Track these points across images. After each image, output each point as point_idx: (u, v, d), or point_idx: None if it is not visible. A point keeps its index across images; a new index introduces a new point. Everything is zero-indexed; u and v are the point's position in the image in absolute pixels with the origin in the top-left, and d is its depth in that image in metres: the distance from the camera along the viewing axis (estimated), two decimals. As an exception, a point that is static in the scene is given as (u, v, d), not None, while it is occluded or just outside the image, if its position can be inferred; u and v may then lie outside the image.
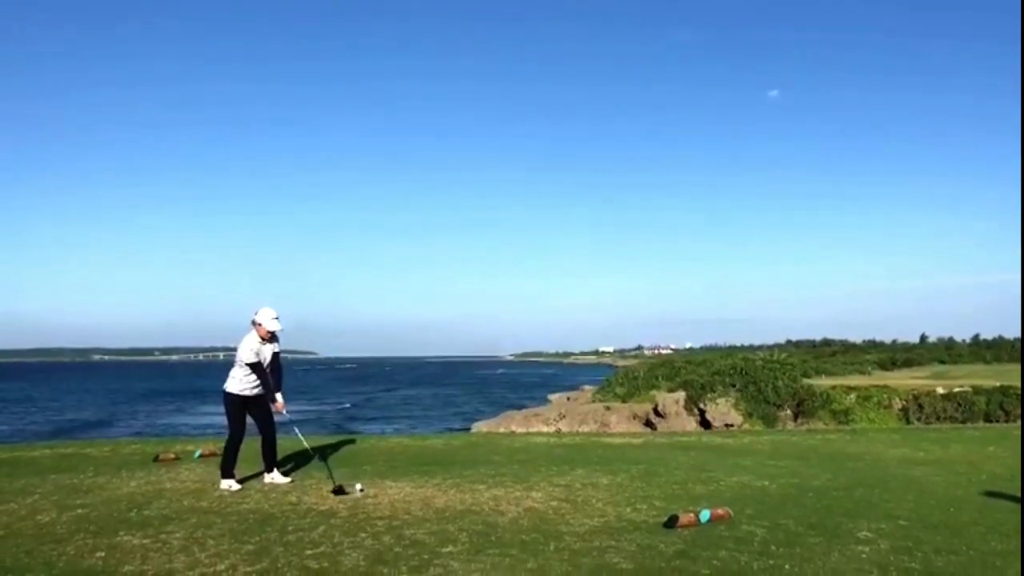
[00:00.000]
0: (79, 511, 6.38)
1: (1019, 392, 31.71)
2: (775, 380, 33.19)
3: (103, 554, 5.02)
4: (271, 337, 7.69)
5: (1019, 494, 6.80)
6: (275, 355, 7.78)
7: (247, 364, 7.53)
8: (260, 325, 7.58)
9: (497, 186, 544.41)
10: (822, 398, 32.24)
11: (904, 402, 32.83)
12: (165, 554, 5.00)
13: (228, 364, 7.80)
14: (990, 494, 6.98)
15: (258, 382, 7.60)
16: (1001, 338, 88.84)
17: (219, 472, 7.57)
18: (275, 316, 7.65)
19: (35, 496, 7.09)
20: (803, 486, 7.47)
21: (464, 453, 10.06)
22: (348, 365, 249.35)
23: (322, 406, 64.57)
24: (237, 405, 7.67)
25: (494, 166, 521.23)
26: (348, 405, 66.71)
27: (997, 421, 28.42)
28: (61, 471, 8.61)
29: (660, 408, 34.69)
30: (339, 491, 6.96)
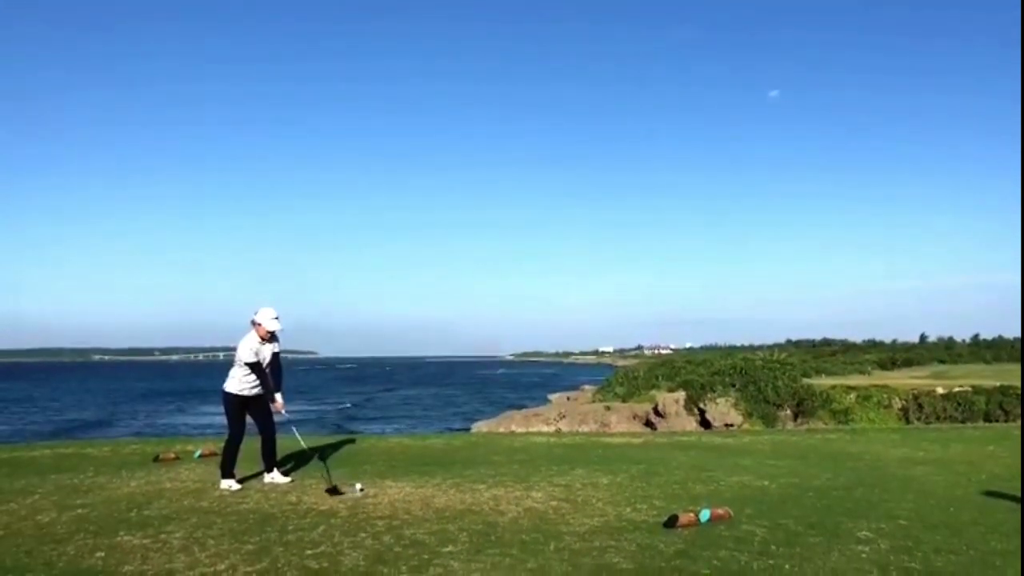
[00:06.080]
0: (79, 511, 6.37)
1: (1019, 392, 31.71)
2: (775, 380, 33.21)
3: (103, 554, 5.02)
4: (271, 337, 7.66)
5: (1019, 494, 6.80)
6: (275, 355, 7.75)
7: (246, 364, 7.51)
8: (260, 325, 7.56)
9: (496, 186, 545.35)
10: (822, 398, 32.26)
11: (904, 402, 32.86)
12: (165, 554, 5.00)
13: (228, 364, 7.79)
14: (990, 494, 6.97)
15: (257, 382, 7.58)
16: (1001, 338, 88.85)
17: (219, 472, 7.57)
18: (275, 316, 7.61)
19: (35, 496, 7.08)
20: (803, 486, 7.46)
21: (464, 453, 10.05)
22: (348, 365, 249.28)
23: (323, 406, 64.62)
24: (236, 405, 7.64)
25: (493, 166, 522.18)
26: (348, 405, 66.79)
27: (997, 421, 28.42)
28: (61, 471, 8.61)
29: (660, 408, 34.69)
30: (334, 491, 6.95)
